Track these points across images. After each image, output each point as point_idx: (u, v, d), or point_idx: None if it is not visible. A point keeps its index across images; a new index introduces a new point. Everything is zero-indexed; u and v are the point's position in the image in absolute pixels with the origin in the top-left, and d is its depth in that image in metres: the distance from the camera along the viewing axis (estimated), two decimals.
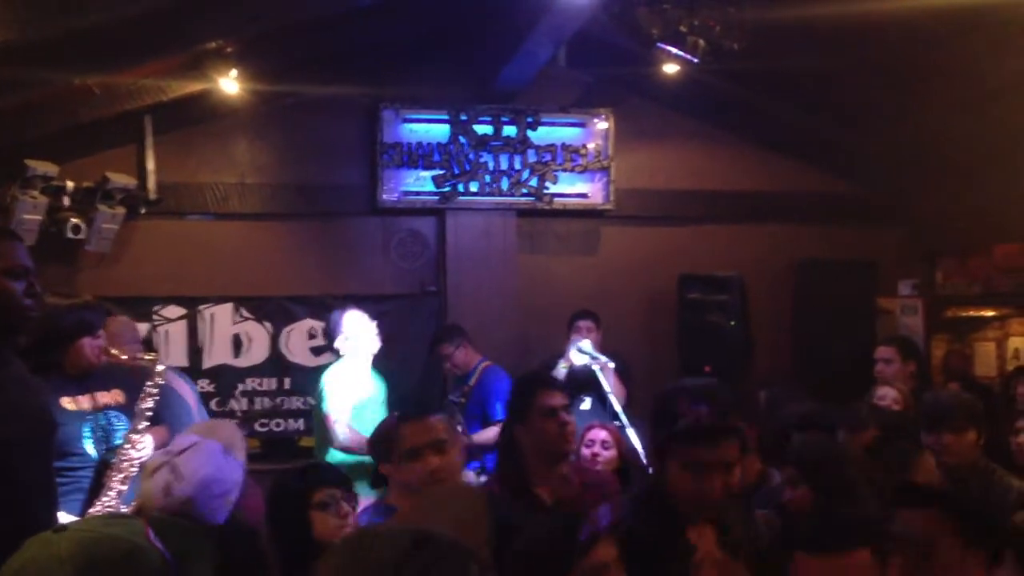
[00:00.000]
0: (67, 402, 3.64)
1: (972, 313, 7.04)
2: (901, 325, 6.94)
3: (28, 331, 2.98)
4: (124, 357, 4.01)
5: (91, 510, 3.58)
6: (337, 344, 5.14)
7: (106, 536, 1.37)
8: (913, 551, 2.17)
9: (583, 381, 5.24)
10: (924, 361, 5.97)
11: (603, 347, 6.04)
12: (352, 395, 4.90)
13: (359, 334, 5.06)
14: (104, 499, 3.61)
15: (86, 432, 3.69)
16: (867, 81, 6.33)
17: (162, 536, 1.42)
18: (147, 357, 4.06)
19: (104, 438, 3.76)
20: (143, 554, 1.38)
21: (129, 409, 3.81)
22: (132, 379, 3.92)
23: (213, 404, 6.41)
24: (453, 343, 5.76)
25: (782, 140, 7.37)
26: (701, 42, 4.31)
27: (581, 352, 5.47)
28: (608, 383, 5.42)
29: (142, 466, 3.76)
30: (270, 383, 6.55)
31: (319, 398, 4.97)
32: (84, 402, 3.73)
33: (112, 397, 3.82)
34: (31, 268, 2.61)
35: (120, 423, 3.80)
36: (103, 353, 3.85)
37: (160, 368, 3.95)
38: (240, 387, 6.48)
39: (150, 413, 3.81)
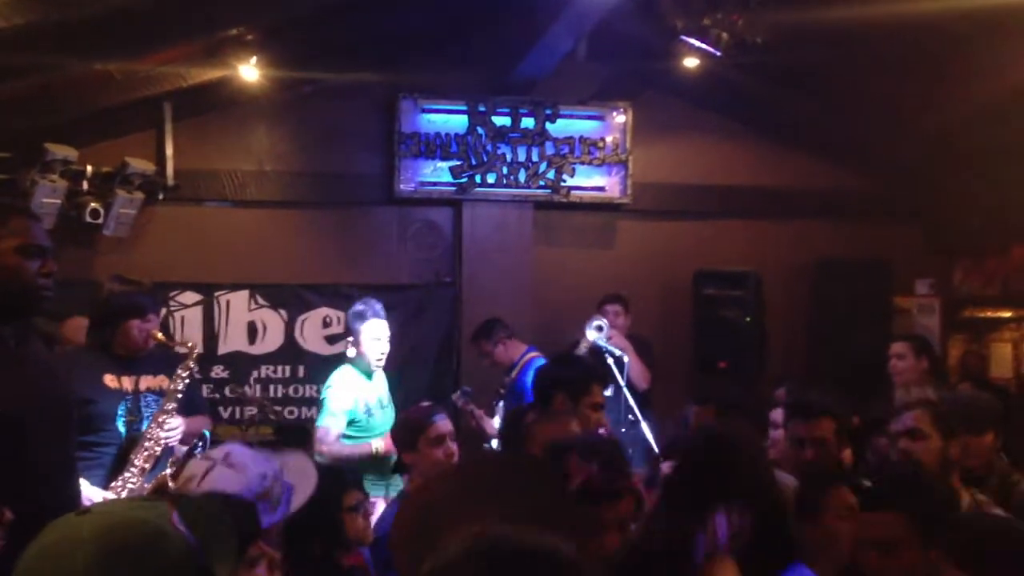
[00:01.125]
0: (109, 379, 3.74)
1: (989, 314, 7.00)
2: (918, 324, 6.90)
3: (44, 309, 2.99)
4: (166, 341, 4.10)
5: (112, 484, 3.63)
6: (347, 347, 4.88)
7: (130, 519, 1.35)
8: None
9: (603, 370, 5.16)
10: (939, 360, 5.94)
11: (629, 331, 6.07)
12: (348, 407, 4.67)
13: (371, 345, 4.75)
14: (126, 475, 3.67)
15: (121, 411, 3.77)
16: (887, 78, 6.29)
17: (187, 520, 1.41)
18: (188, 344, 4.17)
19: (139, 420, 3.83)
20: (167, 538, 1.36)
21: None
22: (176, 364, 4.00)
23: (226, 391, 6.44)
24: (492, 340, 5.72)
25: (801, 136, 7.33)
26: (724, 35, 4.29)
27: (598, 330, 5.53)
28: (622, 377, 5.43)
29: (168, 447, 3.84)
30: (284, 371, 6.56)
31: (321, 406, 4.79)
32: (126, 382, 3.82)
33: (157, 382, 3.91)
34: (48, 247, 2.61)
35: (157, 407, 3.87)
36: (151, 337, 3.93)
37: (196, 354, 4.06)
38: (255, 374, 6.50)
39: (180, 396, 3.87)
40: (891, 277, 6.97)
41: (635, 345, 5.97)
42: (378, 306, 4.80)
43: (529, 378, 5.40)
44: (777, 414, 3.89)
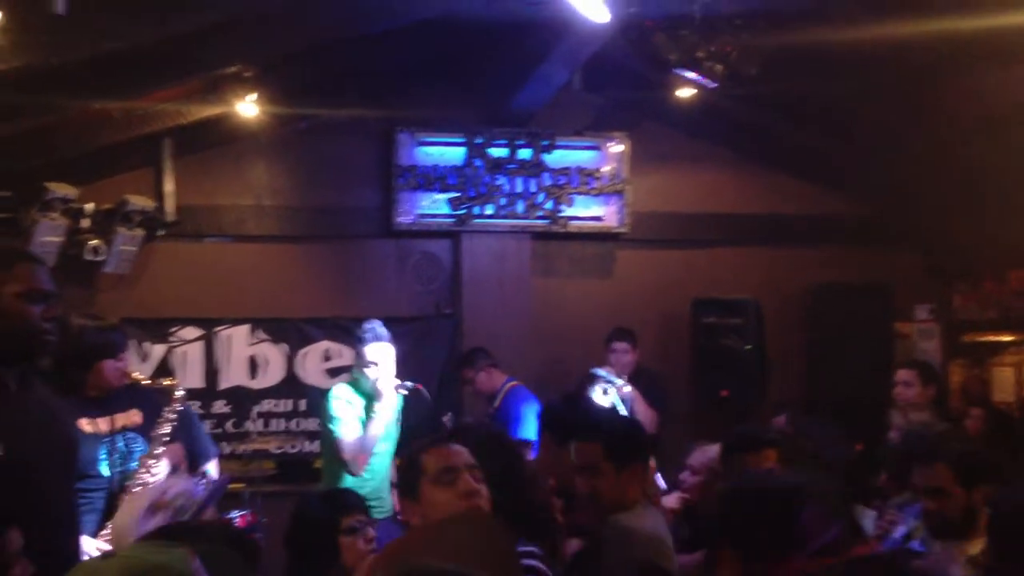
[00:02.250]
0: (86, 424, 3.63)
1: (990, 338, 6.99)
2: (918, 350, 6.90)
3: (47, 354, 3.00)
4: (144, 380, 4.04)
5: (101, 532, 3.58)
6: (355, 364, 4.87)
7: (154, 564, 1.37)
8: None
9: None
10: (942, 387, 5.94)
11: (637, 367, 6.06)
12: (356, 411, 4.69)
13: (370, 368, 4.72)
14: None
15: (102, 454, 3.68)
16: (882, 105, 6.33)
17: (206, 564, 1.42)
18: (167, 382, 4.08)
19: (120, 460, 3.74)
20: None
21: (146, 430, 3.81)
22: (151, 400, 3.93)
23: (229, 425, 6.44)
24: (475, 367, 5.76)
25: (797, 163, 7.37)
26: (718, 67, 4.32)
27: (604, 395, 5.36)
28: (624, 408, 5.40)
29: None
30: (286, 404, 6.56)
31: (326, 417, 4.75)
32: (102, 424, 3.72)
33: (129, 418, 3.81)
34: (52, 292, 2.62)
35: (136, 445, 3.79)
36: (124, 376, 3.85)
37: (179, 393, 3.96)
38: (256, 408, 6.50)
39: (167, 439, 3.80)
40: (890, 302, 6.97)
41: (644, 381, 5.94)
42: (380, 330, 4.75)
43: (516, 405, 5.41)
44: None
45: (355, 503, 3.07)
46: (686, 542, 3.38)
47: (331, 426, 4.63)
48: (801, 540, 2.41)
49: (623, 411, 5.32)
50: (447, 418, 5.78)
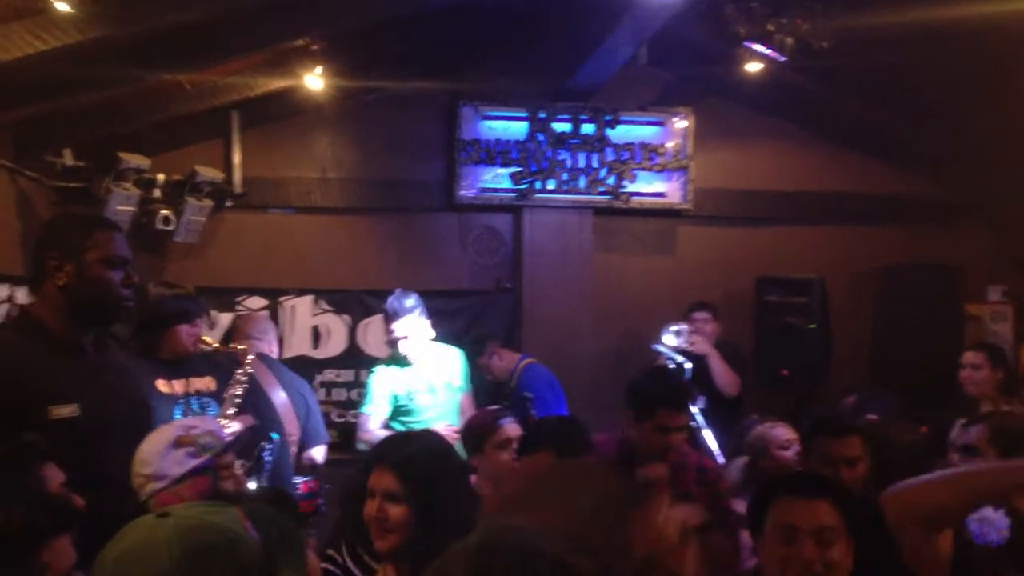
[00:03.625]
0: (162, 385, 3.77)
1: None
2: (990, 332, 6.73)
3: (125, 319, 3.09)
4: (216, 345, 4.18)
5: None
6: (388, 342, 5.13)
7: (209, 524, 1.40)
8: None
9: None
10: (1013, 371, 5.78)
11: (718, 338, 6.06)
12: (386, 392, 4.98)
13: (407, 340, 4.97)
14: None
15: (177, 414, 3.78)
16: (956, 81, 6.15)
17: (257, 527, 1.44)
18: (240, 347, 4.20)
19: None
20: (244, 543, 1.40)
21: (219, 396, 3.93)
22: (224, 368, 4.05)
23: None
24: (485, 353, 5.71)
25: (866, 140, 7.21)
26: (788, 40, 4.24)
27: (676, 335, 5.67)
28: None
29: None
30: (347, 375, 6.65)
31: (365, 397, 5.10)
32: (177, 386, 3.85)
33: (205, 383, 3.94)
34: (129, 259, 2.69)
35: (210, 409, 3.91)
36: (198, 341, 3.98)
37: (250, 358, 4.08)
38: (319, 378, 6.60)
39: (239, 400, 3.92)
40: (962, 283, 6.80)
41: (723, 352, 5.96)
42: (399, 303, 4.95)
43: (531, 383, 5.42)
44: None
45: None
46: None
47: (364, 402, 4.99)
48: None
49: (675, 360, 5.57)
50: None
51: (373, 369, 5.15)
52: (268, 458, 3.76)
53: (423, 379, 5.01)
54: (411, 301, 4.97)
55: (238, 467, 2.86)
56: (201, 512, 1.43)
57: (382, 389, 4.99)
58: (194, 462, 2.52)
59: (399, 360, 5.01)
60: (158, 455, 2.53)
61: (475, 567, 1.15)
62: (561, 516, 1.47)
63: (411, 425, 4.85)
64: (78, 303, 2.58)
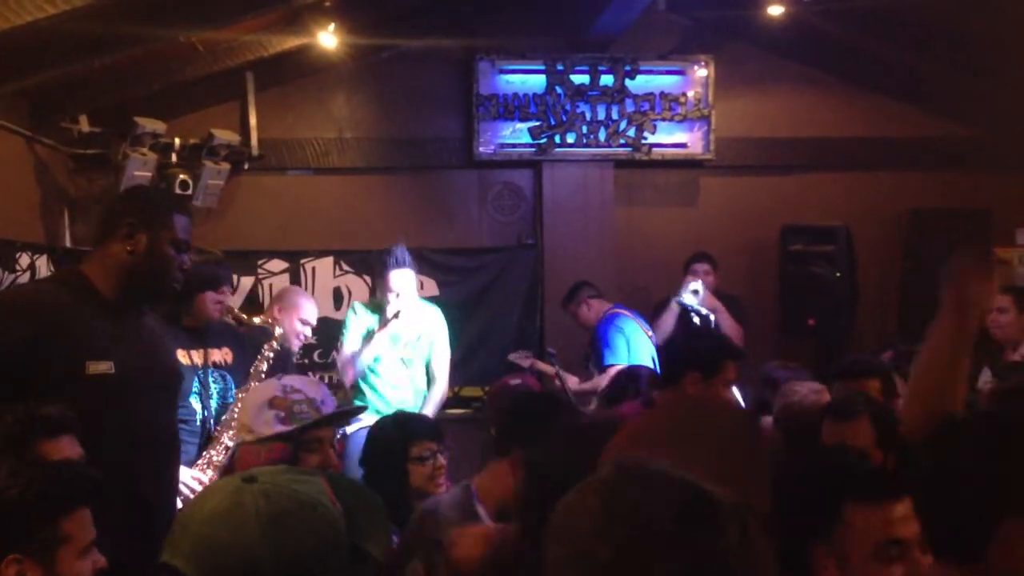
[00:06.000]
0: (182, 354, 3.69)
1: None
2: (1019, 276, 6.62)
3: (167, 301, 3.20)
4: (244, 316, 4.12)
5: (199, 462, 3.66)
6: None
7: (295, 493, 1.39)
8: None
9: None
10: None
11: (717, 291, 6.00)
12: (359, 327, 4.92)
13: (397, 295, 4.83)
14: (211, 453, 3.68)
15: (195, 386, 3.75)
16: (981, 19, 5.99)
17: (339, 496, 1.44)
18: (269, 321, 4.15)
19: (219, 393, 3.83)
20: (328, 514, 1.40)
21: (236, 370, 3.88)
22: (245, 341, 4.01)
23: (316, 355, 6.55)
24: (575, 301, 5.74)
25: (890, 83, 7.06)
26: None
27: (694, 294, 5.58)
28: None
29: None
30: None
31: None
32: (196, 356, 3.80)
33: (222, 355, 3.89)
34: (190, 247, 2.73)
35: (224, 382, 3.86)
36: (223, 309, 3.93)
37: (279, 332, 4.03)
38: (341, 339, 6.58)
39: (263, 375, 3.83)
40: (989, 227, 6.68)
41: (726, 305, 5.90)
42: (402, 255, 4.82)
43: (603, 332, 5.40)
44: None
45: (425, 432, 3.09)
46: None
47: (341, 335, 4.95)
48: None
49: (700, 312, 5.59)
50: (516, 355, 5.86)
51: (352, 306, 5.07)
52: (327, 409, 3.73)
53: (396, 335, 4.88)
54: (406, 257, 4.88)
55: (335, 441, 2.75)
56: (288, 480, 1.42)
57: (358, 327, 4.91)
58: (279, 428, 2.43)
59: (380, 309, 4.89)
60: (255, 407, 2.49)
61: (608, 497, 1.11)
62: (692, 455, 1.39)
63: (371, 383, 4.85)
64: (137, 272, 2.60)
